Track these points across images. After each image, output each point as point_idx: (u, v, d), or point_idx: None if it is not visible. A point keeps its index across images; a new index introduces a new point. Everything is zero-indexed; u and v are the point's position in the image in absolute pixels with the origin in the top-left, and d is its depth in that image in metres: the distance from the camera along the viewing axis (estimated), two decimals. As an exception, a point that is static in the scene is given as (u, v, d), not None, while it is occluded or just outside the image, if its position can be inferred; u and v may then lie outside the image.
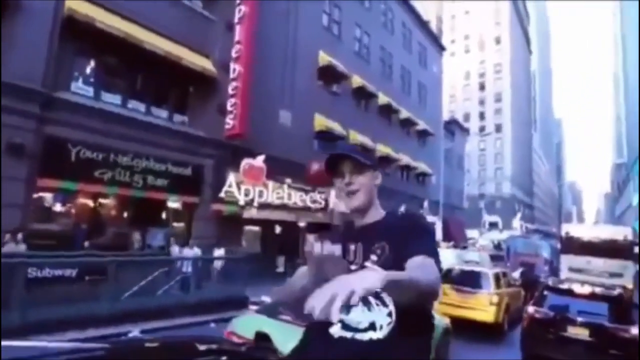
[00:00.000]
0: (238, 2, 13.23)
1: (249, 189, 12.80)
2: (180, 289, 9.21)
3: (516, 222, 43.05)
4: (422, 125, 26.83)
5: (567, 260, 13.64)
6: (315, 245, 1.03)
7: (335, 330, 1.24)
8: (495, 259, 16.49)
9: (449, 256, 12.52)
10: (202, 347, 1.72)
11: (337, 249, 1.11)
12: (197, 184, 12.22)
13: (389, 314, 1.14)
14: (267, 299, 5.90)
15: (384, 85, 22.79)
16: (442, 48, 33.39)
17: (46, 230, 9.37)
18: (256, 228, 14.66)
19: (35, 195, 9.22)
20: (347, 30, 20.08)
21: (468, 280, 9.07)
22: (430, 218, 21.25)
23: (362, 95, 20.74)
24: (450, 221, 29.42)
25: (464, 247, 19.78)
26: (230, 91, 12.89)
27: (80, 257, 8.65)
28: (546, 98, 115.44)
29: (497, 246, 25.19)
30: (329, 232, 1.50)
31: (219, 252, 11.07)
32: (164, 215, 12.24)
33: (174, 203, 11.99)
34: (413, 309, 1.12)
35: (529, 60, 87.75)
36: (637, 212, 40.30)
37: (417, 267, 1.16)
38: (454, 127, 36.49)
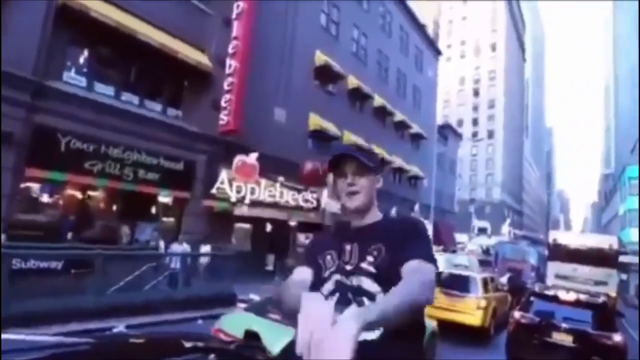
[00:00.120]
0: (236, -3, 13.16)
1: (241, 186, 12.73)
2: (168, 284, 9.13)
3: (505, 228, 43.61)
4: (415, 128, 26.98)
5: (553, 267, 13.84)
6: (303, 306, 1.01)
7: None
8: (483, 263, 16.66)
9: (438, 260, 12.59)
10: (188, 344, 1.69)
11: (324, 303, 1.07)
12: (189, 179, 12.11)
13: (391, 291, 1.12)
14: (255, 297, 5.88)
15: (380, 87, 22.87)
16: (438, 52, 33.61)
17: (32, 221, 9.20)
18: (247, 225, 14.59)
19: (22, 185, 9.05)
20: (345, 31, 20.09)
21: (457, 284, 9.14)
22: (420, 221, 21.32)
23: (358, 96, 20.78)
24: (440, 225, 29.66)
25: (453, 251, 19.93)
26: (225, 87, 12.80)
27: (67, 249, 8.52)
28: (538, 106, 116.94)
29: (486, 251, 25.49)
30: (321, 232, 1.48)
31: (205, 248, 10.98)
32: (153, 210, 12.11)
33: (164, 198, 11.87)
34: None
35: (523, 68, 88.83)
36: (622, 222, 41.06)
37: (413, 272, 1.16)
38: (447, 132, 36.78)
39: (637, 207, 35.98)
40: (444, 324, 7.44)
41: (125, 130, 10.47)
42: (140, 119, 10.99)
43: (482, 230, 46.65)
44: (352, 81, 19.75)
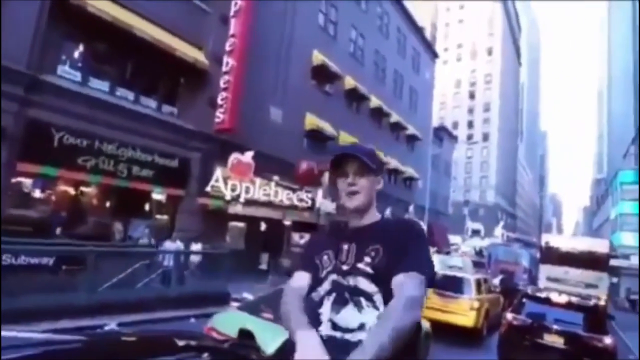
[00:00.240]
0: (234, -5, 13.10)
1: (236, 184, 12.68)
2: (161, 282, 9.06)
3: (498, 230, 43.90)
4: (411, 130, 27.07)
5: (545, 270, 13.92)
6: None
7: (325, 330, 1.22)
8: (476, 265, 16.76)
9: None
10: (181, 343, 1.68)
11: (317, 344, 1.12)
12: (183, 177, 12.03)
13: (379, 317, 1.13)
14: (249, 295, 5.84)
15: (376, 88, 22.90)
16: (435, 55, 33.75)
17: (23, 216, 9.08)
18: (241, 224, 14.54)
19: (13, 180, 8.93)
20: (342, 31, 20.09)
21: (450, 285, 9.18)
22: (415, 222, 21.39)
23: (354, 96, 20.79)
24: (434, 226, 29.77)
25: (447, 253, 20.03)
26: (222, 84, 12.74)
27: (59, 245, 8.42)
28: (533, 110, 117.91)
29: (479, 253, 25.63)
30: (318, 232, 1.48)
31: (196, 246, 10.89)
32: (147, 207, 12.02)
33: (158, 195, 11.78)
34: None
35: (518, 72, 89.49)
36: (613, 226, 41.54)
37: (402, 288, 1.18)
38: (442, 134, 36.95)
39: (628, 211, 36.42)
40: (437, 325, 7.47)
41: (120, 127, 10.38)
42: (135, 115, 10.90)
43: (475, 232, 46.94)
44: (349, 81, 19.76)
